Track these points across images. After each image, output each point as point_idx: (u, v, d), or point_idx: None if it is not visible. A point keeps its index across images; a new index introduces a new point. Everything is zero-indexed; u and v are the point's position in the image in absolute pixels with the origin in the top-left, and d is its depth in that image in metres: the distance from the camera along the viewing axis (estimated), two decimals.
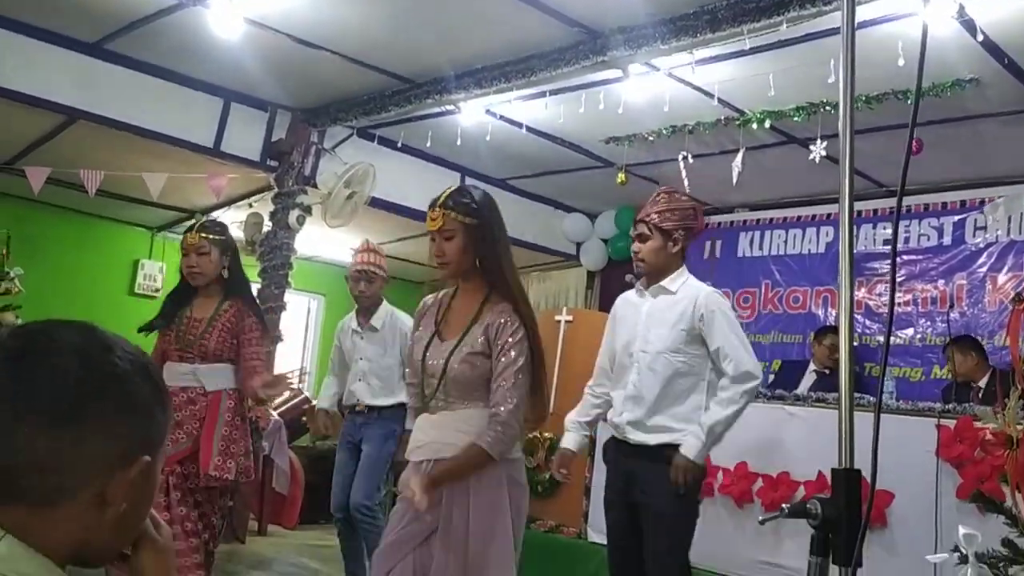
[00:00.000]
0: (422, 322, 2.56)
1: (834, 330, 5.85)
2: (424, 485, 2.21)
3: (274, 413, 6.15)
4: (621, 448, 3.07)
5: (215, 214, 7.21)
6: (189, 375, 3.34)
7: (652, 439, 2.97)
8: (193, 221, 3.49)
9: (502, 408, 2.30)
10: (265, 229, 6.01)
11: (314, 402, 5.53)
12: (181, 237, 3.53)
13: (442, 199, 2.44)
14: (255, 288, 5.86)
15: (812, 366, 5.77)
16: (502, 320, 2.37)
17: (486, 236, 2.42)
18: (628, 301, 3.21)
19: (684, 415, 2.97)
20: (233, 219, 6.99)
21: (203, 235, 3.38)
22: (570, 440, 3.22)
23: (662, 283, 3.07)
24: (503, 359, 2.34)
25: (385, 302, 4.49)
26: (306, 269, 7.56)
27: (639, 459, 2.98)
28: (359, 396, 4.36)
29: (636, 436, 3.00)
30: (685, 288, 3.06)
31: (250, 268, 5.47)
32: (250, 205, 6.43)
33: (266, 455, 5.96)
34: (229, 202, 6.54)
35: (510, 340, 2.34)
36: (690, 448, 2.89)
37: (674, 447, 2.92)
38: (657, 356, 2.99)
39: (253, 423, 5.44)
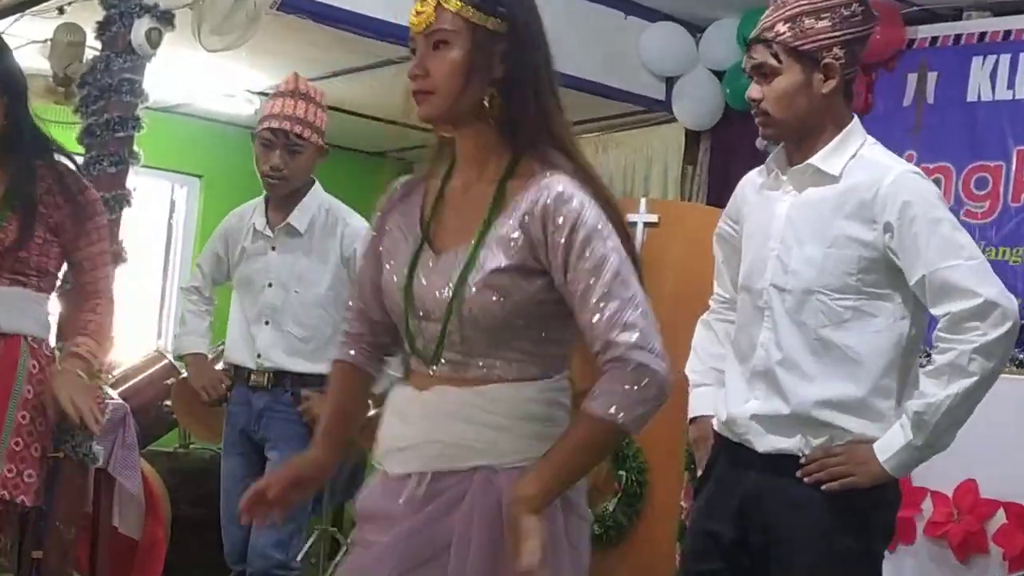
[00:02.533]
0: (392, 222, 2.58)
1: None
2: (530, 527, 2.16)
3: (112, 392, 6.22)
4: (735, 456, 3.11)
5: None
6: None
7: (792, 444, 3.01)
8: None
9: (621, 338, 2.25)
10: (89, 56, 6.00)
11: (179, 365, 5.58)
12: None
13: None
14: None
15: None
16: (555, 193, 2.32)
17: (513, 50, 2.39)
18: (754, 191, 3.22)
19: (856, 403, 2.98)
20: (29, 37, 6.98)
21: None
22: (711, 403, 3.26)
23: (812, 159, 3.05)
24: (582, 263, 2.29)
25: (318, 188, 4.50)
26: (167, 130, 7.58)
27: (772, 477, 3.01)
28: (265, 354, 4.38)
29: (768, 440, 3.03)
30: (856, 167, 3.04)
31: (65, 127, 5.51)
32: (60, 11, 6.41)
33: (100, 469, 6.05)
34: (21, 5, 6.52)
35: (581, 226, 2.29)
36: (888, 446, 2.90)
37: None
38: (806, 297, 3.00)
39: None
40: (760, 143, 4.64)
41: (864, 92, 6.98)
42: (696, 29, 7.48)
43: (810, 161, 3.03)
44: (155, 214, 8.79)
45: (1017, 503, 4.03)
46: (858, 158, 3.03)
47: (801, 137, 3.06)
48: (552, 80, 2.45)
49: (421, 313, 2.43)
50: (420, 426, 2.41)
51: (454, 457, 2.35)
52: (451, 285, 2.37)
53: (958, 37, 6.87)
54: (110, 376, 5.78)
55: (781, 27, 2.99)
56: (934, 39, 6.92)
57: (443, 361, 2.42)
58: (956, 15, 6.89)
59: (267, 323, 4.38)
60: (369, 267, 2.64)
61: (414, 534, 2.34)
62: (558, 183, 2.33)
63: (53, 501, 5.31)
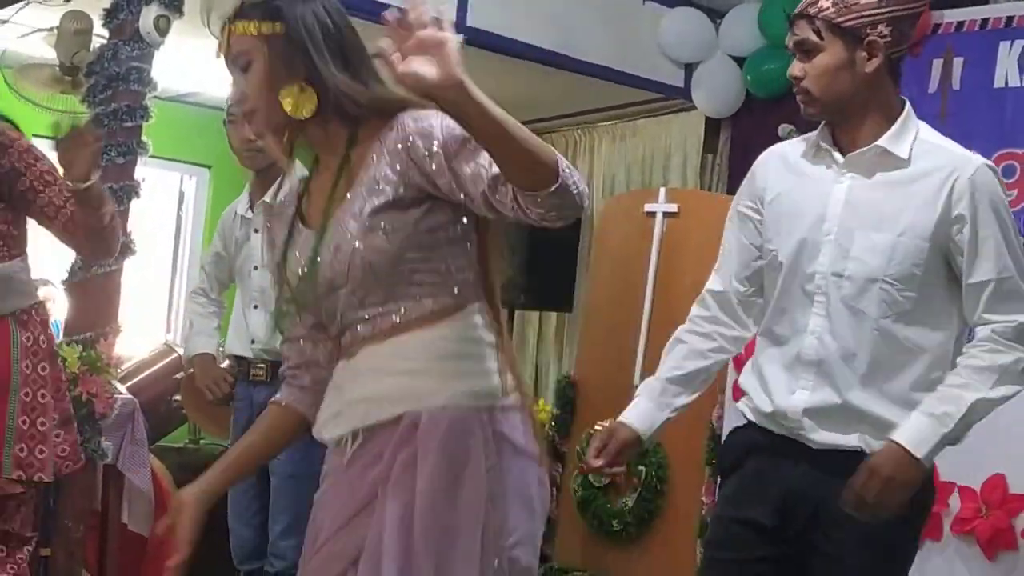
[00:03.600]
0: (271, 226, 2.71)
1: None
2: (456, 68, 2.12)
3: (121, 387, 6.23)
4: (780, 447, 3.08)
5: None
6: None
7: (851, 440, 2.98)
8: None
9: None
10: (96, 44, 6.00)
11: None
12: None
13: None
14: None
15: None
16: (407, 123, 2.42)
17: (304, 44, 2.48)
18: (786, 168, 3.17)
19: (906, 396, 2.96)
20: (34, 25, 6.99)
21: None
22: (636, 414, 3.20)
23: (879, 141, 3.00)
24: (474, 156, 2.33)
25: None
26: (176, 119, 7.59)
27: (822, 473, 2.99)
28: (257, 337, 4.38)
29: (823, 435, 3.00)
30: (923, 151, 3.00)
31: (71, 114, 5.50)
32: (66, 0, 6.42)
33: (109, 464, 6.07)
34: None
35: (446, 128, 2.35)
36: (914, 432, 2.86)
37: None
38: (869, 286, 2.97)
39: (83, 403, 5.54)
40: (782, 131, 4.62)
41: None
42: (716, 14, 7.47)
43: (878, 143, 2.98)
44: (164, 205, 8.81)
45: None
46: (920, 141, 2.99)
47: (845, 118, 3.02)
48: (349, 49, 2.54)
49: (322, 288, 2.52)
50: (348, 390, 2.52)
51: (379, 411, 2.45)
52: (333, 249, 2.47)
53: (984, 21, 6.84)
54: (119, 371, 5.79)
55: (824, 2, 2.95)
56: (960, 24, 6.89)
57: (357, 326, 2.50)
58: (984, 0, 6.86)
59: (255, 307, 4.39)
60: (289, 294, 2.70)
61: (348, 486, 2.48)
62: (403, 124, 2.43)
63: (61, 499, 5.33)
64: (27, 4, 6.53)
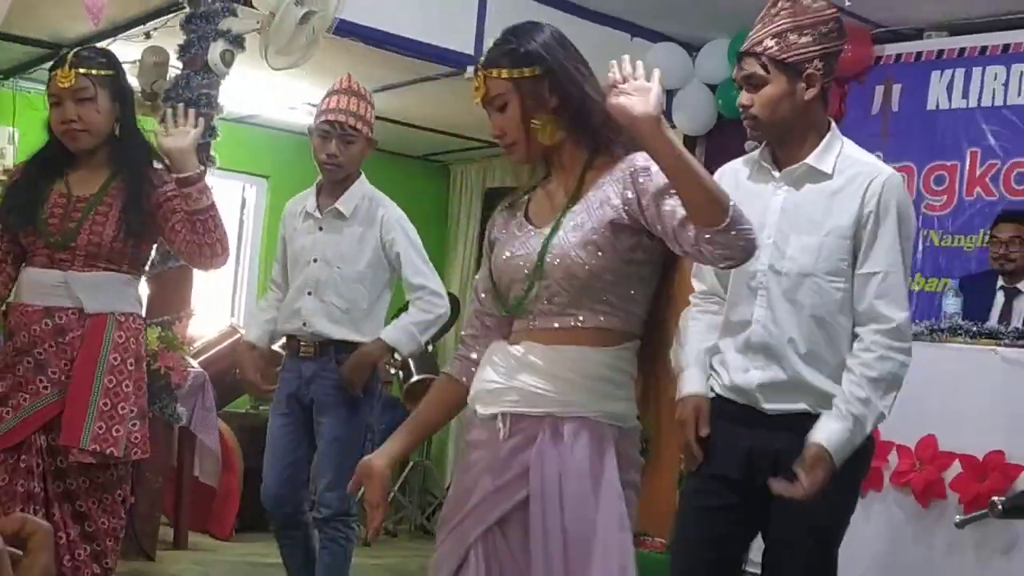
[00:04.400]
0: (497, 230, 2.67)
1: (1016, 216, 5.87)
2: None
3: (193, 362, 6.25)
4: (742, 415, 3.08)
5: (79, 48, 7.20)
6: (58, 288, 3.39)
7: (799, 406, 3.00)
8: (65, 52, 3.49)
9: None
10: (172, 74, 6.00)
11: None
12: (46, 82, 3.53)
13: (483, 56, 2.55)
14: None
15: (1002, 281, 5.84)
16: (634, 163, 2.42)
17: (557, 82, 2.48)
18: (736, 184, 3.11)
19: (838, 370, 2.97)
20: (121, 58, 6.99)
21: (83, 71, 3.37)
22: (699, 383, 3.18)
23: (807, 160, 3.02)
24: (661, 189, 2.35)
25: (364, 180, 4.49)
26: (240, 137, 7.59)
27: (778, 432, 3.00)
28: (309, 322, 4.37)
29: (775, 404, 3.01)
30: (844, 164, 3.01)
31: (150, 133, 5.46)
32: (147, 36, 6.42)
33: (183, 427, 6.08)
34: (114, 31, 6.53)
35: (656, 174, 2.36)
36: (833, 433, 2.88)
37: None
38: (802, 280, 2.98)
39: (162, 377, 5.55)
40: (748, 146, 4.60)
41: (837, 102, 6.95)
42: (692, 48, 7.41)
43: (807, 161, 3.00)
44: (228, 210, 8.80)
45: (971, 455, 4.01)
46: (844, 156, 3.01)
47: (786, 139, 3.03)
48: (596, 89, 2.51)
49: (513, 276, 2.51)
50: (504, 374, 2.48)
51: (529, 406, 2.43)
52: (546, 248, 2.45)
53: (919, 54, 6.83)
54: (191, 348, 5.81)
55: (769, 41, 2.96)
56: (898, 56, 6.89)
57: (534, 318, 2.48)
58: (917, 35, 6.85)
59: (310, 293, 4.36)
60: (484, 271, 2.68)
61: (500, 462, 2.44)
62: (634, 158, 2.42)
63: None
64: (114, 40, 6.54)
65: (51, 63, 3.53)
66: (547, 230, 2.48)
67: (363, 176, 4.46)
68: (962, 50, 6.67)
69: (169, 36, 6.06)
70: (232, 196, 8.87)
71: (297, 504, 4.40)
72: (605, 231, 2.41)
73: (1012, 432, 3.87)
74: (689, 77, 7.44)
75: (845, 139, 3.07)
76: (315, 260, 4.36)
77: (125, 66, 6.28)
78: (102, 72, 3.42)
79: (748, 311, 3.04)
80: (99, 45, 6.93)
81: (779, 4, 3.02)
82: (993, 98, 6.53)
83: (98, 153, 3.46)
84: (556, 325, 2.46)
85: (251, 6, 5.80)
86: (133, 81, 6.60)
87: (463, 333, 2.73)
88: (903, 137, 6.78)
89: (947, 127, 6.68)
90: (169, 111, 3.40)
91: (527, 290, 2.47)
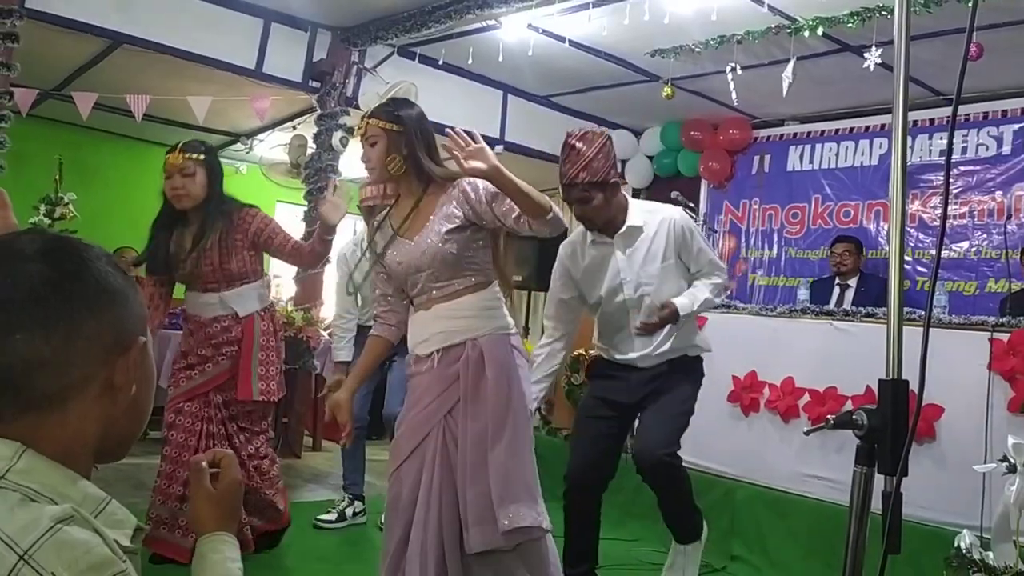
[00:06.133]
0: (376, 240, 2.61)
1: (846, 239, 5.89)
2: (490, 156, 2.24)
3: (324, 333, 6.28)
4: (624, 367, 3.12)
5: (259, 137, 7.24)
6: (217, 304, 3.33)
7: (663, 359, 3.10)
8: (177, 142, 3.36)
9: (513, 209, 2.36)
10: (309, 151, 6.03)
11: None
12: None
13: (371, 109, 2.57)
14: (300, 211, 5.93)
15: (837, 280, 5.82)
16: (463, 185, 2.44)
17: (408, 136, 2.49)
18: (587, 248, 3.09)
19: (687, 341, 3.12)
20: (277, 142, 7.03)
21: (187, 155, 3.26)
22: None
23: (628, 223, 2.99)
24: (491, 200, 2.39)
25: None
26: (351, 191, 7.59)
27: (650, 372, 3.08)
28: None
29: (645, 364, 3.10)
30: (648, 215, 3.03)
31: (296, 191, 5.47)
32: (294, 127, 6.46)
33: (318, 374, 6.11)
34: (273, 125, 6.58)
35: (481, 187, 2.40)
36: (684, 303, 2.96)
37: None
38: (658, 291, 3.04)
39: (303, 343, 5.58)
40: (675, 195, 4.57)
41: (730, 167, 6.96)
42: (637, 132, 7.39)
43: (628, 224, 3.00)
44: (344, 238, 8.78)
45: (815, 389, 4.00)
46: (643, 211, 3.05)
47: (609, 222, 3.01)
48: (430, 144, 2.54)
49: (412, 271, 2.49)
50: (430, 327, 2.49)
51: (451, 337, 2.45)
52: (423, 251, 2.46)
53: (782, 135, 6.81)
54: (322, 324, 5.83)
55: (581, 175, 2.88)
56: (768, 136, 6.87)
57: (432, 291, 2.49)
58: (780, 123, 6.82)
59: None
60: (380, 272, 2.64)
61: (439, 377, 2.45)
62: (461, 183, 2.44)
63: (293, 394, 5.37)
64: (272, 131, 6.58)
65: (171, 147, 3.34)
66: (421, 237, 2.47)
67: None
68: (808, 132, 6.66)
69: (307, 127, 6.10)
70: (348, 228, 8.85)
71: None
72: (455, 230, 2.44)
73: (841, 375, 3.87)
74: (636, 151, 7.42)
75: (632, 200, 3.10)
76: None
77: (279, 147, 6.32)
78: (199, 156, 3.28)
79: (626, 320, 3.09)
80: (262, 135, 6.98)
81: (572, 148, 2.92)
82: (829, 163, 6.52)
83: (198, 213, 3.29)
84: (447, 291, 2.48)
85: (358, 108, 5.83)
86: (285, 156, 6.65)
87: (376, 314, 2.69)
88: (771, 188, 6.76)
89: (800, 182, 6.66)
90: (332, 188, 3.31)
91: (421, 279, 2.49)
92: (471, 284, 2.48)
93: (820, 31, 4.83)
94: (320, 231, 3.27)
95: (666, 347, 3.07)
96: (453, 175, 2.47)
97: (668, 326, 3.00)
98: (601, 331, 3.20)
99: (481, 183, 2.40)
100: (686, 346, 3.11)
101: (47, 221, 5.58)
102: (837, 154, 6.47)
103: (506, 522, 2.30)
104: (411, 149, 2.49)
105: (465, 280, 2.48)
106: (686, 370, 3.11)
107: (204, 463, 1.20)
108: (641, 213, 3.03)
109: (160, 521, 3.22)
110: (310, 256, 3.38)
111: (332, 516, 4.24)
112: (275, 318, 3.50)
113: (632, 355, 3.09)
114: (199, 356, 3.35)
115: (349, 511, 4.29)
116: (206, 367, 3.35)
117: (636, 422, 3.20)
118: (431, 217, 2.47)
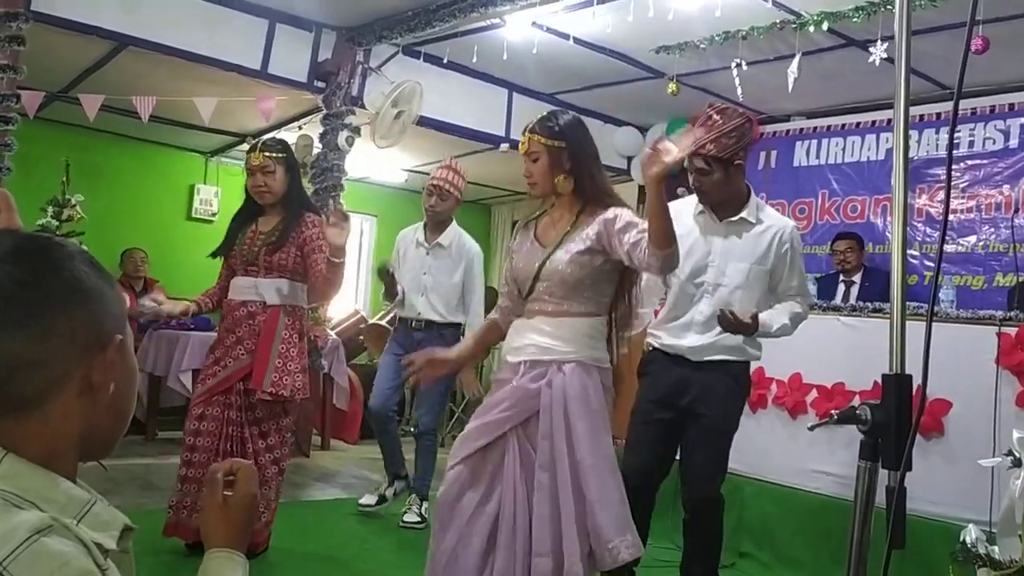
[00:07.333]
0: (517, 240, 2.66)
1: (847, 235, 5.84)
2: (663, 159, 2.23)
3: (332, 332, 6.30)
4: (676, 360, 3.03)
5: (265, 137, 7.26)
6: (250, 289, 3.44)
7: (716, 357, 3.00)
8: (255, 141, 3.56)
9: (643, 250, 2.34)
10: (315, 151, 6.05)
11: (371, 321, 5.61)
12: (239, 160, 3.58)
13: (533, 123, 2.55)
14: None
15: (841, 277, 5.79)
16: (609, 214, 2.45)
17: (573, 154, 2.50)
18: (687, 220, 3.02)
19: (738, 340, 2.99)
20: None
21: (267, 154, 3.44)
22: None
23: (742, 214, 2.98)
24: (623, 234, 2.40)
25: (455, 223, 4.54)
26: (357, 191, 7.61)
27: (701, 371, 2.98)
28: (420, 310, 4.41)
29: (698, 357, 3.00)
30: (765, 215, 3.03)
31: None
32: (300, 127, 6.46)
33: (325, 373, 6.13)
34: (279, 125, 6.58)
35: (619, 219, 2.42)
36: (765, 320, 2.90)
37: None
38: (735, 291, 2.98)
39: (311, 342, 5.60)
40: (681, 191, 4.56)
41: None
42: (643, 129, 7.37)
43: (742, 215, 2.99)
44: (351, 237, 8.78)
45: (823, 385, 4.00)
46: (760, 208, 3.06)
47: (722, 202, 3.01)
48: (597, 164, 2.57)
49: (526, 275, 2.53)
50: (526, 336, 2.50)
51: (541, 355, 2.45)
52: (547, 263, 2.48)
53: (788, 131, 6.80)
54: (330, 323, 5.85)
55: (709, 146, 2.89)
56: (774, 132, 6.85)
57: (543, 303, 2.50)
58: (787, 119, 6.81)
59: (422, 295, 4.42)
60: (508, 265, 2.69)
61: (521, 389, 2.46)
62: (609, 211, 2.46)
63: None
64: (279, 131, 6.59)
65: (248, 146, 3.54)
66: (549, 249, 2.50)
67: (454, 221, 4.54)
68: (814, 128, 6.64)
69: (313, 127, 6.10)
70: (354, 229, 8.86)
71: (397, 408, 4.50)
72: (584, 252, 2.44)
73: (848, 370, 3.87)
74: (641, 148, 7.35)
75: (758, 199, 3.06)
76: (426, 274, 4.45)
77: None
78: (278, 155, 3.47)
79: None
80: (268, 135, 6.99)
81: (712, 115, 2.94)
82: (835, 158, 6.50)
83: (276, 205, 3.51)
84: (556, 308, 2.48)
85: (363, 108, 5.84)
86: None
87: (499, 303, 2.72)
88: (778, 184, 6.74)
89: (806, 177, 6.64)
90: (333, 212, 3.32)
91: (532, 287, 2.50)
92: (582, 311, 2.48)
93: (825, 26, 4.82)
94: (329, 254, 3.31)
95: (718, 342, 2.98)
96: (612, 194, 2.52)
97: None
98: (662, 315, 3.13)
99: (622, 212, 2.44)
100: (737, 346, 3.00)
101: (55, 223, 5.60)
102: (843, 149, 6.45)
103: (622, 552, 2.33)
104: (574, 165, 2.51)
105: (577, 305, 2.48)
106: (735, 379, 3.01)
107: (220, 474, 1.18)
108: (757, 211, 3.02)
109: (188, 508, 3.30)
110: (323, 283, 3.38)
111: (373, 499, 4.41)
112: (303, 320, 3.54)
113: (684, 343, 2.99)
114: (224, 347, 3.43)
115: (389, 492, 4.45)
116: (228, 361, 3.41)
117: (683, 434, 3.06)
118: (572, 234, 2.50)
